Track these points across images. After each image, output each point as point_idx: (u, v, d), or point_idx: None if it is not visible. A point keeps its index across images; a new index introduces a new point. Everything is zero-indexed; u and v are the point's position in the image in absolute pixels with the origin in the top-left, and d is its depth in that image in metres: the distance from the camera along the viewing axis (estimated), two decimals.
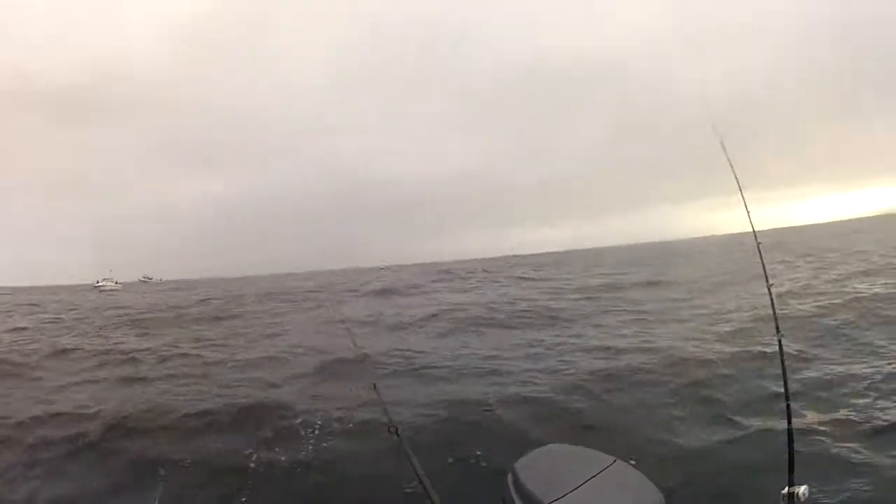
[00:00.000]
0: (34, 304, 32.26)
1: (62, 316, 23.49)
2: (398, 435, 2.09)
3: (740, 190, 2.92)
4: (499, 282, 29.45)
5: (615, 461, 2.69)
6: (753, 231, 2.87)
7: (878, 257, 18.85)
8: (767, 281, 2.96)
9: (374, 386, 2.49)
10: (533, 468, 2.34)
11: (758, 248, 2.91)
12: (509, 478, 2.60)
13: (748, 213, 2.87)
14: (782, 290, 13.28)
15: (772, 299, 2.99)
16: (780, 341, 3.02)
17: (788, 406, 3.03)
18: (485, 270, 45.07)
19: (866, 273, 15.98)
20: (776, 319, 2.98)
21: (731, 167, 2.85)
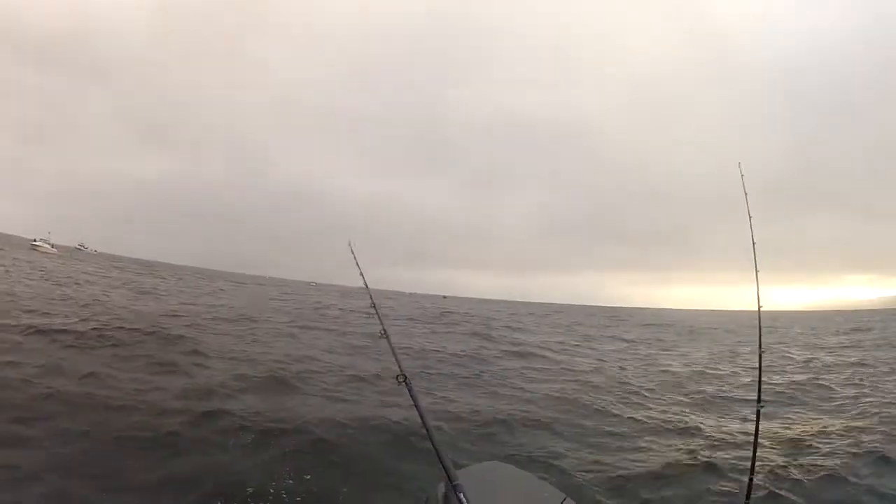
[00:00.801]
0: None
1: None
2: (406, 382, 2.16)
3: (755, 263, 3.08)
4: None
5: (565, 499, 2.53)
6: (759, 306, 3.03)
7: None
8: (760, 348, 3.11)
9: (385, 334, 2.53)
10: (474, 486, 2.10)
11: (758, 320, 3.05)
12: (441, 488, 2.24)
13: (756, 286, 3.02)
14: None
15: (760, 369, 3.13)
16: (758, 411, 3.15)
17: (751, 481, 3.10)
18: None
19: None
20: (759, 390, 3.11)
21: (753, 241, 3.02)
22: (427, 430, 2.03)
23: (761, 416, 3.00)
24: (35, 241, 64.71)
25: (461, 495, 1.77)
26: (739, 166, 3.35)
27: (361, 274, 3.44)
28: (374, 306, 3.14)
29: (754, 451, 3.11)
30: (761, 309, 3.07)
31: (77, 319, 11.94)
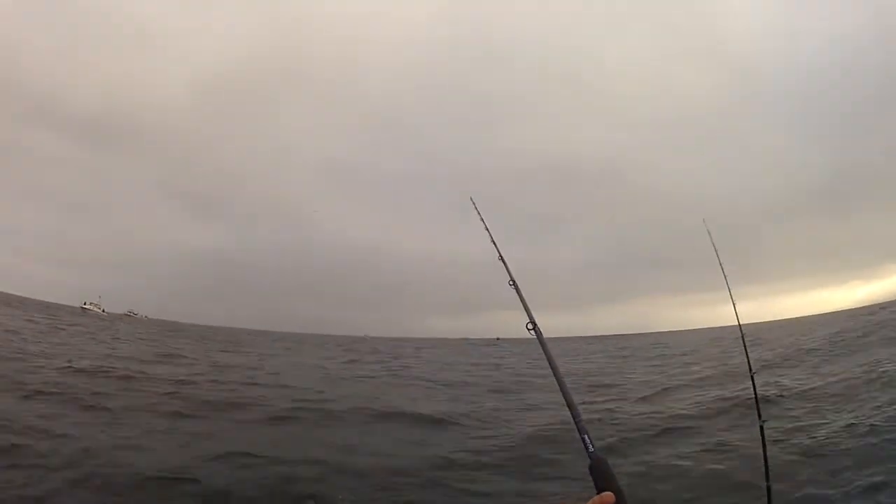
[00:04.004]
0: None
1: None
2: (536, 330, 2.24)
3: (728, 285, 3.28)
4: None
5: None
6: (739, 324, 3.21)
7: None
8: (751, 369, 3.30)
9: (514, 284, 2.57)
10: None
11: (742, 339, 3.24)
12: None
13: (734, 306, 3.22)
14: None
15: (754, 386, 3.31)
16: (761, 427, 3.33)
17: (769, 488, 3.28)
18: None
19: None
20: (758, 406, 3.30)
21: (720, 264, 3.23)
22: (555, 373, 2.10)
23: None
24: (85, 304, 65.44)
25: (585, 437, 1.87)
26: (704, 222, 3.53)
27: (487, 229, 3.14)
28: (502, 258, 3.01)
29: (765, 461, 3.31)
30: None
31: None
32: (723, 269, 3.11)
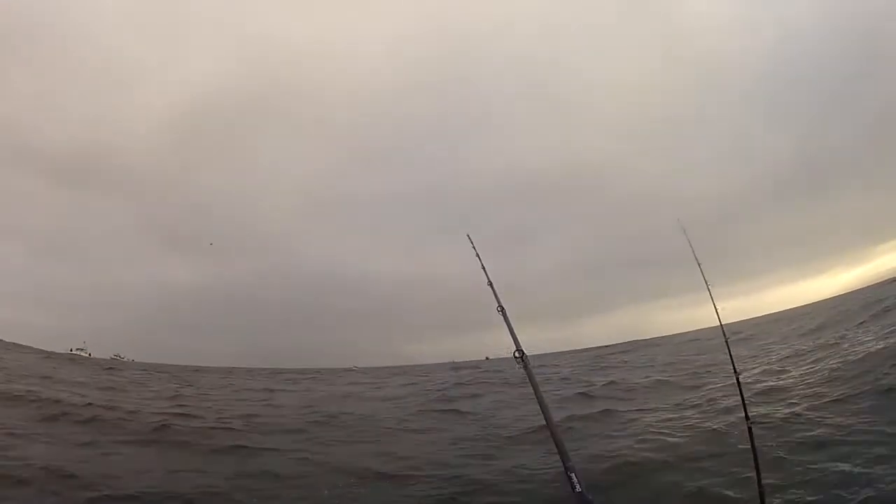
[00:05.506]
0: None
1: None
2: (524, 360, 2.19)
3: (707, 286, 3.21)
4: None
5: None
6: (722, 327, 3.14)
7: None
8: (735, 371, 3.21)
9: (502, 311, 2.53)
10: None
11: (726, 343, 3.15)
12: None
13: (716, 309, 3.14)
14: None
15: (740, 388, 3.24)
16: (749, 428, 3.24)
17: (762, 493, 3.19)
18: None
19: None
20: (745, 407, 3.22)
21: (699, 265, 3.16)
22: (543, 410, 1.97)
23: None
24: (72, 350, 65.89)
25: (572, 476, 1.74)
26: (679, 222, 3.51)
27: (483, 268, 3.34)
28: (491, 284, 3.10)
29: (756, 463, 3.21)
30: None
31: None
32: (702, 270, 3.04)
